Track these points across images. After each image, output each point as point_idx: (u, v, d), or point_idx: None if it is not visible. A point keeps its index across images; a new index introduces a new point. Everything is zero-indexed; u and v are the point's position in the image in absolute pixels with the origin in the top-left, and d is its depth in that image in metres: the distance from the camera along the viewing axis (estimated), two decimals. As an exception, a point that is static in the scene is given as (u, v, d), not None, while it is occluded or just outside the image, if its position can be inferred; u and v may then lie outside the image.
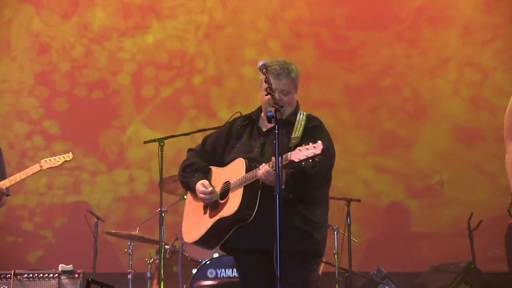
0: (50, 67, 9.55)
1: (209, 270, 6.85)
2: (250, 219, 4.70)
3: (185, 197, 7.37)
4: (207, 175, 5.01)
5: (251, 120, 5.08)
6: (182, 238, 7.11)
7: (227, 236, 4.80)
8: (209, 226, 4.86)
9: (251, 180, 4.67)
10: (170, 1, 9.79)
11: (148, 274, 7.53)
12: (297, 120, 4.90)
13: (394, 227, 9.24)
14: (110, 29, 9.72)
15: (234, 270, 6.74)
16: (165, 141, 6.70)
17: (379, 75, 9.68)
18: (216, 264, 6.85)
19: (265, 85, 4.74)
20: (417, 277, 8.38)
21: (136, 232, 7.70)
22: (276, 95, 4.76)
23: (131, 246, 7.67)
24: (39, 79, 9.48)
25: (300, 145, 4.43)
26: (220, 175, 4.97)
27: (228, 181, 4.83)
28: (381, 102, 9.25)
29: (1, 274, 6.64)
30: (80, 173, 9.34)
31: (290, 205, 4.72)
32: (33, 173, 5.88)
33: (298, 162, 4.43)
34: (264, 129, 4.95)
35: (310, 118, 4.94)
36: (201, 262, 6.95)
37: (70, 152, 6.06)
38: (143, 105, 9.53)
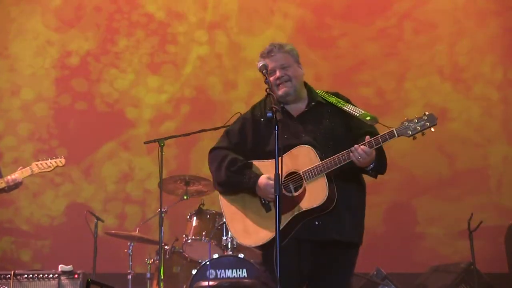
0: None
1: (209, 271, 6.77)
2: (331, 208, 4.49)
3: (185, 197, 7.42)
4: (256, 171, 4.69)
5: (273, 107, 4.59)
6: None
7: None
8: (288, 220, 4.52)
9: (340, 165, 4.47)
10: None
11: (148, 275, 7.54)
12: (332, 97, 4.82)
13: (394, 228, 9.24)
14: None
15: (234, 270, 6.72)
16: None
17: (352, 68, 9.73)
18: (216, 264, 6.78)
19: (271, 78, 4.69)
20: (417, 278, 8.37)
21: (136, 233, 7.68)
22: (278, 72, 4.72)
23: (131, 247, 7.64)
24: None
25: (372, 118, 4.47)
26: (272, 167, 4.41)
27: (295, 172, 4.55)
28: (351, 97, 8.89)
29: (1, 275, 6.61)
30: (79, 173, 9.35)
31: (361, 196, 4.79)
32: (24, 177, 5.82)
33: (409, 135, 4.41)
34: (295, 115, 4.75)
35: (336, 93, 4.87)
36: (201, 262, 6.90)
37: (63, 157, 6.03)
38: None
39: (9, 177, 5.68)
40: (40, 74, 9.60)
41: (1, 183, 5.65)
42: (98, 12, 9.76)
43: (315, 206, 4.49)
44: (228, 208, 4.79)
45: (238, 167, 4.69)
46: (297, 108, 4.72)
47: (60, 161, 5.92)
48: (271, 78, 4.72)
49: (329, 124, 4.72)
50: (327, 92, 4.88)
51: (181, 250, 7.36)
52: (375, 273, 7.89)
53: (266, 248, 4.58)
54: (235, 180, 4.68)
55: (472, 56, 9.66)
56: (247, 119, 4.88)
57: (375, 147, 4.43)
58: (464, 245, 6.93)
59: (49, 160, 5.87)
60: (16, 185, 5.74)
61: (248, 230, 4.69)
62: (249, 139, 4.81)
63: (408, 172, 9.39)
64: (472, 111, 9.53)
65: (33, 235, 9.16)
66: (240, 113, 5.09)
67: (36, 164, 5.82)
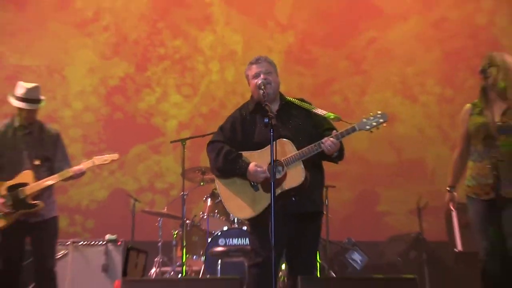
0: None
1: (220, 240, 6.81)
2: (305, 187, 4.50)
3: (202, 183, 7.46)
4: (246, 160, 4.63)
5: (257, 106, 4.77)
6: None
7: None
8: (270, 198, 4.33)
9: (313, 153, 4.47)
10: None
11: (174, 242, 7.57)
12: (295, 101, 4.82)
13: (362, 207, 9.25)
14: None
15: (239, 239, 6.74)
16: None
17: (327, 81, 9.70)
18: (225, 235, 6.80)
19: (253, 80, 4.73)
20: (379, 245, 8.42)
21: (164, 211, 7.75)
22: (262, 76, 4.71)
23: (160, 221, 7.74)
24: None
25: (335, 116, 4.55)
26: (261, 157, 4.62)
27: (277, 160, 4.39)
28: (325, 102, 8.61)
29: (62, 242, 6.60)
30: (119, 169, 9.35)
31: (322, 178, 4.79)
32: (87, 168, 5.71)
33: (366, 130, 4.47)
34: (271, 110, 4.50)
35: (301, 99, 4.86)
36: (214, 233, 6.92)
37: (116, 153, 5.88)
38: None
39: (75, 167, 5.66)
40: (88, 90, 9.56)
41: (70, 172, 5.65)
42: (136, 45, 9.73)
43: (295, 185, 4.50)
44: (223, 189, 4.75)
45: (232, 156, 4.65)
46: (273, 108, 4.66)
47: (114, 156, 5.82)
48: (255, 81, 4.75)
49: (297, 121, 4.73)
50: (294, 98, 4.86)
51: (198, 224, 7.38)
52: (346, 241, 7.94)
53: (254, 220, 4.61)
54: (230, 167, 4.64)
55: (419, 76, 9.65)
56: (236, 118, 4.85)
57: (340, 139, 4.47)
58: (414, 220, 6.94)
59: (106, 155, 5.85)
60: (81, 174, 5.71)
61: (240, 206, 4.64)
62: (239, 133, 4.77)
63: (369, 163, 9.39)
64: (416, 117, 9.56)
65: (84, 214, 9.17)
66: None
67: (97, 158, 5.79)
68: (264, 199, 4.51)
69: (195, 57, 9.77)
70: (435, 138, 9.44)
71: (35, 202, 5.46)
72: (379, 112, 4.56)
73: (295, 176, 4.52)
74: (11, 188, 5.44)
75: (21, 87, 5.58)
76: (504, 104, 4.87)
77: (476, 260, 4.97)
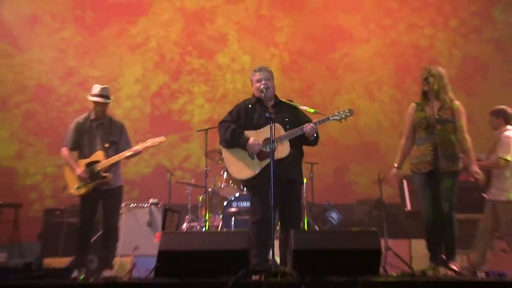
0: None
1: (234, 203, 6.83)
2: (290, 159, 4.63)
3: (219, 161, 7.47)
4: (246, 136, 4.72)
5: (258, 100, 4.89)
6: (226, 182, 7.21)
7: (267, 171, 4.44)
8: (263, 166, 4.62)
9: (297, 134, 4.61)
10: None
11: (199, 205, 7.58)
12: (285, 100, 4.93)
13: (338, 178, 9.21)
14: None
15: (248, 202, 6.43)
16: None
17: (310, 86, 9.65)
18: (238, 199, 6.82)
19: (256, 84, 4.83)
20: (350, 206, 8.39)
21: (192, 181, 7.78)
22: (263, 82, 4.82)
23: (189, 189, 7.75)
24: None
25: (315, 110, 4.67)
26: (257, 135, 4.73)
27: (271, 139, 4.41)
28: (308, 100, 8.62)
29: None
30: (159, 154, 9.29)
31: (301, 155, 4.87)
32: (142, 148, 5.69)
33: (337, 120, 4.67)
34: (269, 107, 4.66)
35: (290, 100, 4.97)
36: (229, 198, 6.93)
37: (163, 136, 5.84)
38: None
39: (134, 148, 5.68)
40: (135, 95, 9.56)
41: (130, 151, 5.64)
42: (171, 62, 9.70)
43: (283, 156, 4.61)
44: (228, 157, 4.81)
45: (237, 132, 4.76)
46: (269, 104, 4.74)
47: (162, 139, 5.78)
48: (258, 84, 4.85)
49: (286, 114, 4.81)
50: (286, 99, 4.98)
51: (217, 191, 7.37)
52: (326, 203, 7.91)
53: (249, 181, 4.70)
54: (235, 140, 4.74)
55: (377, 82, 9.60)
56: (241, 106, 4.94)
57: (318, 125, 4.64)
58: (375, 188, 6.89)
59: (156, 138, 5.84)
60: (138, 153, 5.73)
61: (239, 170, 4.74)
62: (242, 117, 4.87)
63: (341, 145, 9.35)
64: (374, 112, 9.51)
65: (134, 181, 9.08)
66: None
67: (150, 140, 5.76)
68: (257, 166, 4.65)
69: (214, 71, 9.74)
70: (387, 128, 9.41)
71: (106, 174, 5.53)
72: (348, 108, 4.76)
73: (283, 150, 4.64)
74: (88, 164, 5.54)
75: (96, 87, 5.67)
76: (439, 103, 4.96)
77: (420, 217, 5.03)
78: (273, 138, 4.36)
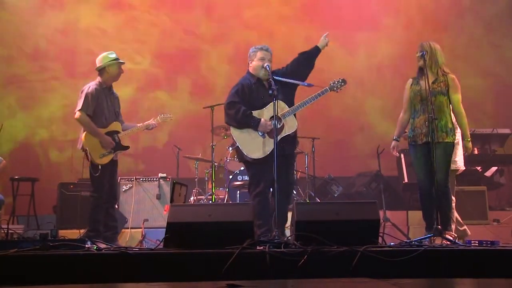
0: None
1: (238, 176, 6.88)
2: (294, 134, 4.86)
3: (225, 137, 7.46)
4: (256, 116, 4.77)
5: (258, 80, 4.90)
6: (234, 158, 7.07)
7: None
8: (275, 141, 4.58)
9: (301, 108, 4.78)
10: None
11: (206, 178, 7.62)
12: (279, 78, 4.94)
13: (339, 153, 9.12)
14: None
15: None
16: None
17: None
18: (242, 173, 6.82)
19: (259, 62, 4.83)
20: (350, 179, 8.39)
21: (199, 156, 7.78)
22: (267, 61, 4.85)
23: (196, 163, 7.74)
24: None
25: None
26: (261, 114, 4.78)
27: (274, 115, 4.59)
28: None
29: (128, 178, 6.65)
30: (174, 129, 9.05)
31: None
32: (158, 123, 5.72)
33: (335, 90, 4.95)
34: (266, 86, 4.86)
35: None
36: (234, 172, 6.96)
37: (172, 114, 5.91)
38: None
39: (147, 122, 5.67)
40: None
41: (148, 124, 5.65)
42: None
43: (292, 130, 4.81)
44: (240, 137, 4.82)
45: (248, 113, 4.76)
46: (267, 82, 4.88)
47: (172, 116, 5.91)
48: (260, 63, 4.87)
49: (282, 90, 4.84)
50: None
51: (223, 165, 7.40)
52: (327, 176, 7.96)
53: (262, 160, 4.73)
54: (247, 121, 4.76)
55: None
56: (244, 86, 4.90)
57: (318, 98, 4.86)
58: (374, 161, 6.88)
59: (167, 114, 5.82)
60: (155, 126, 5.73)
61: (253, 149, 4.77)
62: (247, 97, 4.86)
63: (342, 126, 9.23)
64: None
65: (143, 156, 9.03)
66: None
67: (160, 117, 5.77)
68: (271, 143, 4.64)
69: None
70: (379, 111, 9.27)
71: (126, 145, 5.54)
72: (341, 78, 5.00)
73: (291, 125, 4.80)
74: (108, 134, 5.39)
75: (110, 53, 5.47)
76: (433, 77, 4.95)
77: (417, 188, 5.07)
78: (278, 113, 4.55)
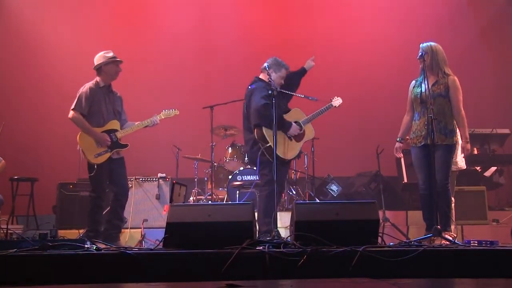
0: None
1: (238, 176, 6.85)
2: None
3: (225, 137, 7.46)
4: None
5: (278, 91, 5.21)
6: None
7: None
8: (300, 146, 5.29)
9: (318, 116, 5.39)
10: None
11: (206, 178, 7.62)
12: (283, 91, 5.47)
13: (338, 152, 9.07)
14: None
15: (251, 176, 6.72)
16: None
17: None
18: (242, 173, 6.84)
19: (281, 79, 5.28)
20: (349, 179, 8.38)
21: (199, 156, 7.77)
22: (283, 79, 5.34)
23: (196, 163, 7.76)
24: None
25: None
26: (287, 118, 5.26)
27: (297, 121, 5.25)
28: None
29: (128, 178, 6.38)
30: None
31: None
32: (160, 119, 5.67)
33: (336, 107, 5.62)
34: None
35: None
36: (233, 172, 6.95)
37: (177, 110, 5.82)
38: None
39: (152, 118, 5.61)
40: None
41: (148, 122, 5.59)
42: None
43: (312, 137, 5.51)
44: (271, 138, 4.89)
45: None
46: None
47: (176, 112, 5.80)
48: (281, 81, 5.32)
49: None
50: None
51: (223, 165, 7.42)
52: (327, 176, 7.95)
53: (285, 162, 5.25)
54: (283, 122, 5.12)
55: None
56: (269, 91, 5.02)
57: (327, 110, 5.52)
58: (374, 161, 6.89)
59: (171, 110, 5.79)
60: (156, 124, 5.67)
61: (284, 151, 5.15)
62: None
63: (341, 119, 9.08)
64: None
65: (143, 156, 8.69)
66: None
67: (164, 113, 5.72)
68: (298, 146, 5.27)
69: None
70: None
71: (125, 143, 5.49)
72: (337, 96, 5.61)
73: (310, 131, 5.40)
74: (105, 133, 5.37)
75: (107, 52, 5.44)
76: (433, 78, 4.94)
77: (416, 188, 5.07)
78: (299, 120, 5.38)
